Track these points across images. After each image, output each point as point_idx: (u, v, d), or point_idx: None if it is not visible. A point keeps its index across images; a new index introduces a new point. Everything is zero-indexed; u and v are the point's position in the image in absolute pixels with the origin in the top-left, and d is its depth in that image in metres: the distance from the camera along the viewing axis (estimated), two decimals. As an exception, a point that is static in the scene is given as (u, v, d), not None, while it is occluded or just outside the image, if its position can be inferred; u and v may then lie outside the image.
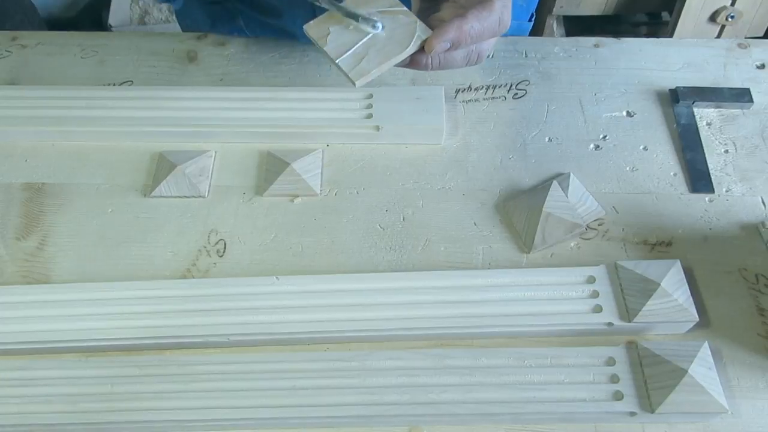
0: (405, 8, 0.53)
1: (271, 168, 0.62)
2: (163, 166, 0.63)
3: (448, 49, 0.51)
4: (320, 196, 0.62)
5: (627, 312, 0.51)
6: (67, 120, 0.65)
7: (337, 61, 0.51)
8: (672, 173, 0.62)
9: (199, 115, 0.65)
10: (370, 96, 0.65)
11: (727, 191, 0.61)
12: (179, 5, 0.75)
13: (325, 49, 0.51)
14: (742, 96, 0.66)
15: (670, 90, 0.68)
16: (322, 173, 0.63)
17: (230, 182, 0.63)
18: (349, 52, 0.51)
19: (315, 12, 0.70)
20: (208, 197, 0.62)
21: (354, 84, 0.50)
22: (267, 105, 0.65)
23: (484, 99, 0.68)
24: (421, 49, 0.51)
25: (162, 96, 0.67)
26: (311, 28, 0.53)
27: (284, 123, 0.64)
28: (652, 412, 0.47)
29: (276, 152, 0.63)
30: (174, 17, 0.81)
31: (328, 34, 0.52)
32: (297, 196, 0.62)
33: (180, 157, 0.63)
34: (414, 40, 0.51)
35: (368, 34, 0.52)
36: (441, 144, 0.65)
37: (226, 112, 0.65)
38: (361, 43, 0.51)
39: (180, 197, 0.62)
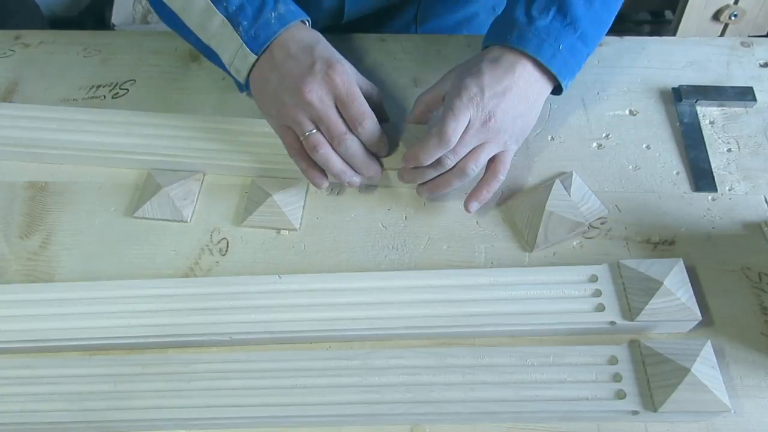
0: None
1: (252, 198, 0.60)
2: (149, 185, 0.62)
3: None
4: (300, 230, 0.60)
5: (630, 311, 0.51)
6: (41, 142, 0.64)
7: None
8: (675, 172, 0.62)
9: (185, 144, 0.63)
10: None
11: (730, 190, 0.61)
12: None
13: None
14: (745, 94, 0.66)
15: (673, 88, 0.67)
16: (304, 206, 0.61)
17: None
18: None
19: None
20: (191, 222, 0.60)
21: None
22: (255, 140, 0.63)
23: (486, 98, 0.68)
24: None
25: (150, 123, 0.64)
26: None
27: (271, 157, 0.62)
28: (655, 411, 0.47)
29: (259, 182, 0.61)
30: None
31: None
32: (278, 228, 0.60)
33: (167, 178, 0.61)
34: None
35: None
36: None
37: (215, 144, 0.62)
38: None
39: (162, 220, 0.61)
